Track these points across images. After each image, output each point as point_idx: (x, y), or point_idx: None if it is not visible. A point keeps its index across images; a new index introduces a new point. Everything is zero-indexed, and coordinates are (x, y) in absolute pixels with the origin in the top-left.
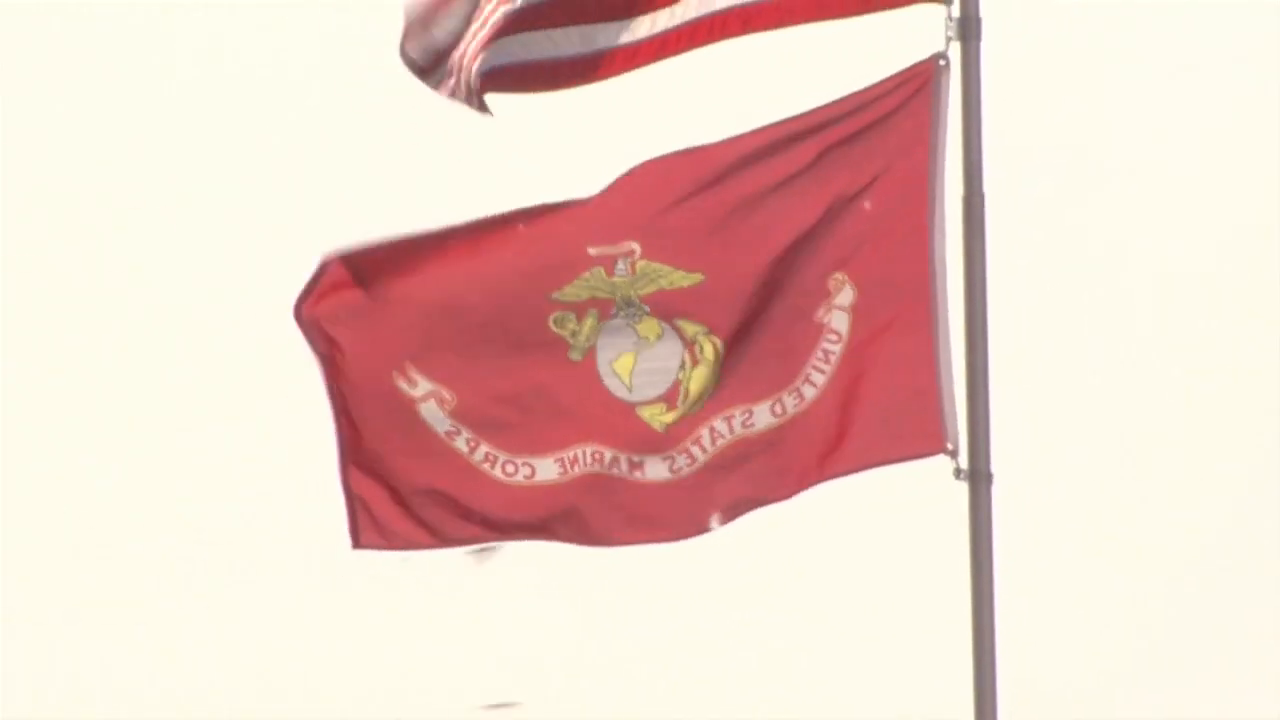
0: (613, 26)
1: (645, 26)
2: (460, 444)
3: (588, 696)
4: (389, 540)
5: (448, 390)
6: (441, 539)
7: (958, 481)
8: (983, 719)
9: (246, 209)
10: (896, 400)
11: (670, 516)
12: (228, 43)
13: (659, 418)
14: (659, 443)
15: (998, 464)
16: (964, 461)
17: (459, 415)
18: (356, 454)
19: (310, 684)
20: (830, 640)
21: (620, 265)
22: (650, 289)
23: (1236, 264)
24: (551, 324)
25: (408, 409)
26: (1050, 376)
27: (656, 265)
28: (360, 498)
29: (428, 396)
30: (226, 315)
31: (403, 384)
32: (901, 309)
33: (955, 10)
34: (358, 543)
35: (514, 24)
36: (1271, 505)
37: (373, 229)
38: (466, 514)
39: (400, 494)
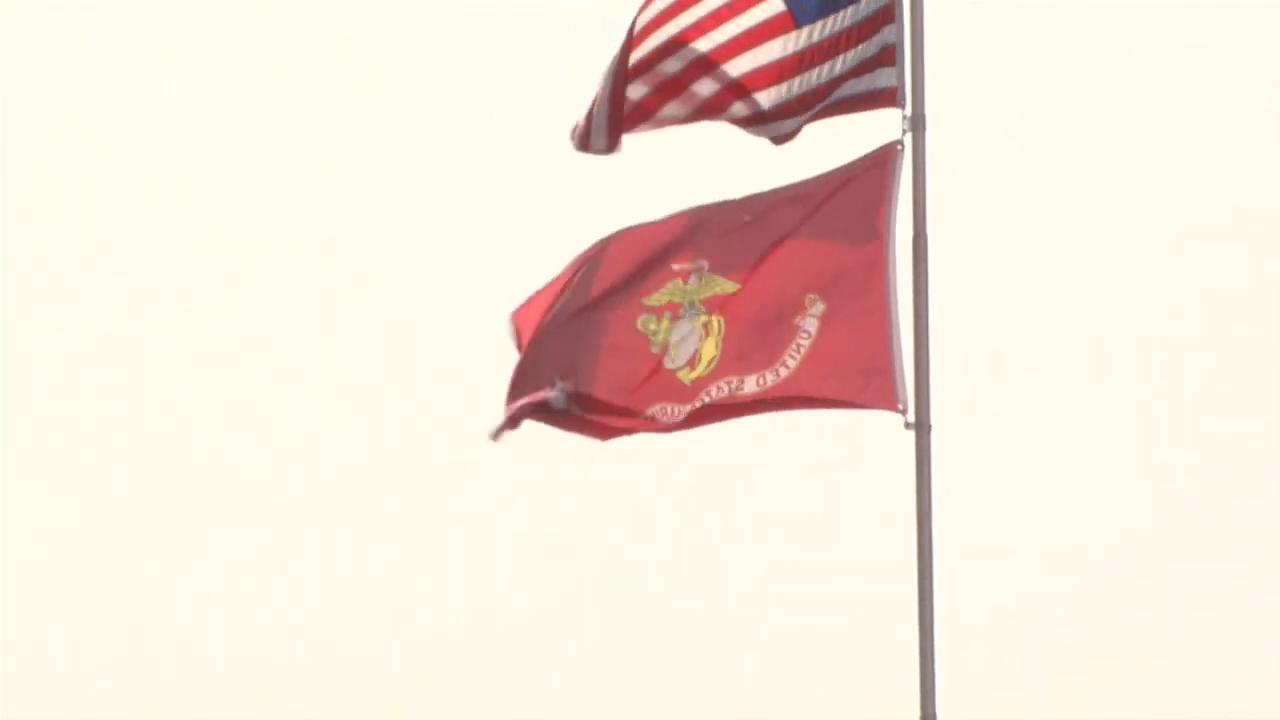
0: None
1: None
2: (574, 409)
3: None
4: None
5: (570, 383)
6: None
7: (906, 431)
8: (925, 619)
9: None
10: (865, 373)
11: (676, 428)
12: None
13: (687, 376)
14: (686, 394)
15: (936, 418)
16: (911, 416)
17: (572, 398)
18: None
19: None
20: (798, 559)
21: (693, 278)
22: (707, 294)
23: (1140, 254)
24: (639, 325)
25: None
26: (977, 356)
27: (716, 277)
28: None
29: (561, 389)
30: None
31: (549, 391)
32: (866, 313)
33: (908, 110)
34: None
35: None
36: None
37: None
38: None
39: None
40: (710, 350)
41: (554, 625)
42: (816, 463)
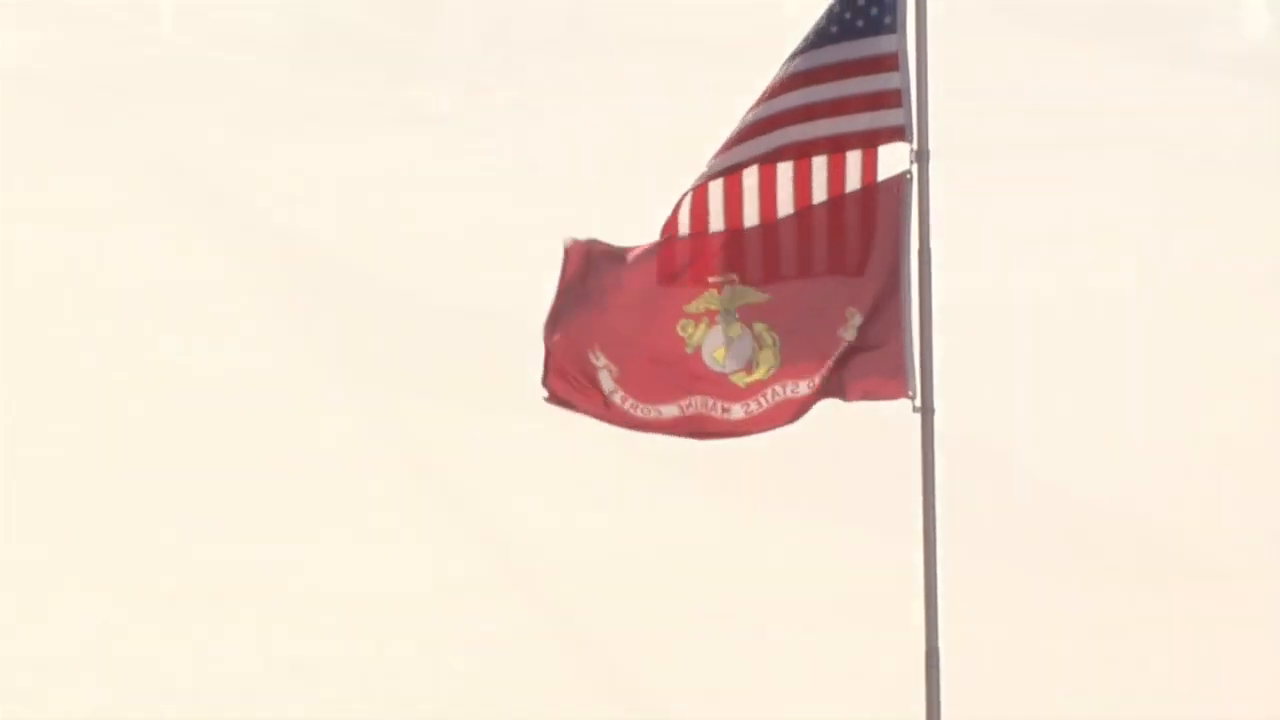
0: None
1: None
2: (616, 399)
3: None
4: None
5: (614, 366)
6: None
7: (914, 415)
8: (930, 582)
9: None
10: (889, 371)
11: (742, 429)
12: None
13: (742, 379)
14: (740, 395)
15: (939, 403)
16: (918, 401)
17: (619, 381)
18: (566, 371)
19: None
20: (807, 533)
21: (727, 289)
22: (740, 303)
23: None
24: (679, 329)
25: (594, 373)
26: (971, 351)
27: (746, 289)
28: (562, 382)
29: (605, 367)
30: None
31: (592, 357)
32: (889, 317)
33: (914, 144)
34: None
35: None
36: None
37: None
38: (620, 420)
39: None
40: (769, 359)
41: (552, 619)
42: (831, 441)
